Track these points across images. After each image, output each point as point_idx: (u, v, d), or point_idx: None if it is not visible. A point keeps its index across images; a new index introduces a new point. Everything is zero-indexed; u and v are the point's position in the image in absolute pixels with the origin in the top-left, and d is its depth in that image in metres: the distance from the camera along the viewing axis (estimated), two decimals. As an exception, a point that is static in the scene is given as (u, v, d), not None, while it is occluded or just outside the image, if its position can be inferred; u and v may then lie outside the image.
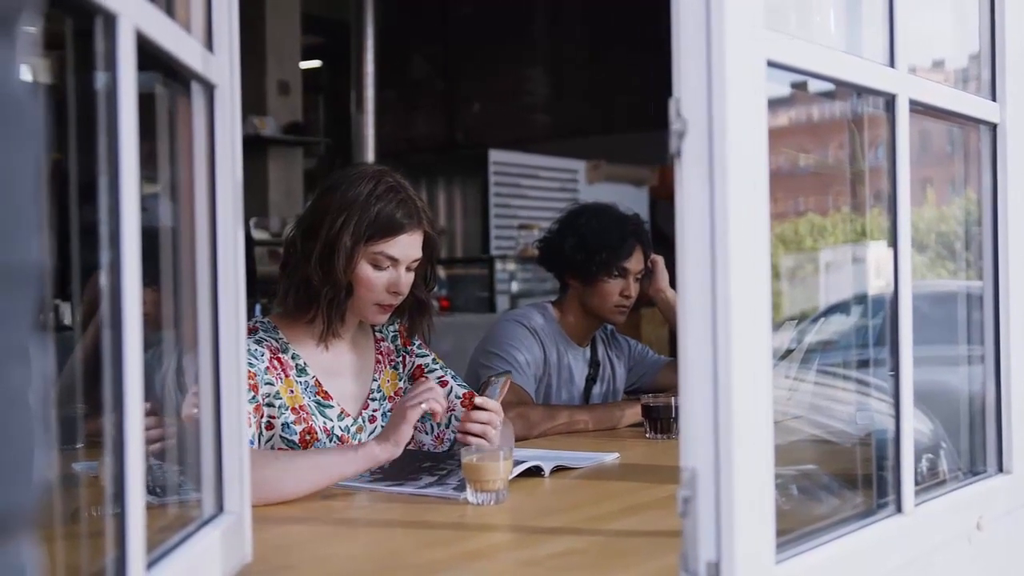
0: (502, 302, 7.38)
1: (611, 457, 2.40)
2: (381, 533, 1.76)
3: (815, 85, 1.60)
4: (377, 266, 2.23)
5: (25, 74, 0.56)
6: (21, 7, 0.55)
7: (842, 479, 1.72)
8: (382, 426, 2.33)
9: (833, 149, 2.01)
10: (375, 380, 2.39)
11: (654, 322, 7.02)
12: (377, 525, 1.78)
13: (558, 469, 2.22)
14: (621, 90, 9.58)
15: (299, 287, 2.24)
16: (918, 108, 1.61)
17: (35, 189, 0.56)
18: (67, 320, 2.78)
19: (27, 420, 0.54)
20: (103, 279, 1.01)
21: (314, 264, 2.20)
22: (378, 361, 2.41)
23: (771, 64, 1.28)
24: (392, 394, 2.40)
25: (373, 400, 2.37)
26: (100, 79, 1.02)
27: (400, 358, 2.45)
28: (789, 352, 2.18)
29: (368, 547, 1.71)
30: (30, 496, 0.56)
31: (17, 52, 0.54)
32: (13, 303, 0.53)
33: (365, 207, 2.20)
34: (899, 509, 1.55)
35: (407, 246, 2.25)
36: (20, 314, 0.54)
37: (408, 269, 2.27)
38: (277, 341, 2.26)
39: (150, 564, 1.10)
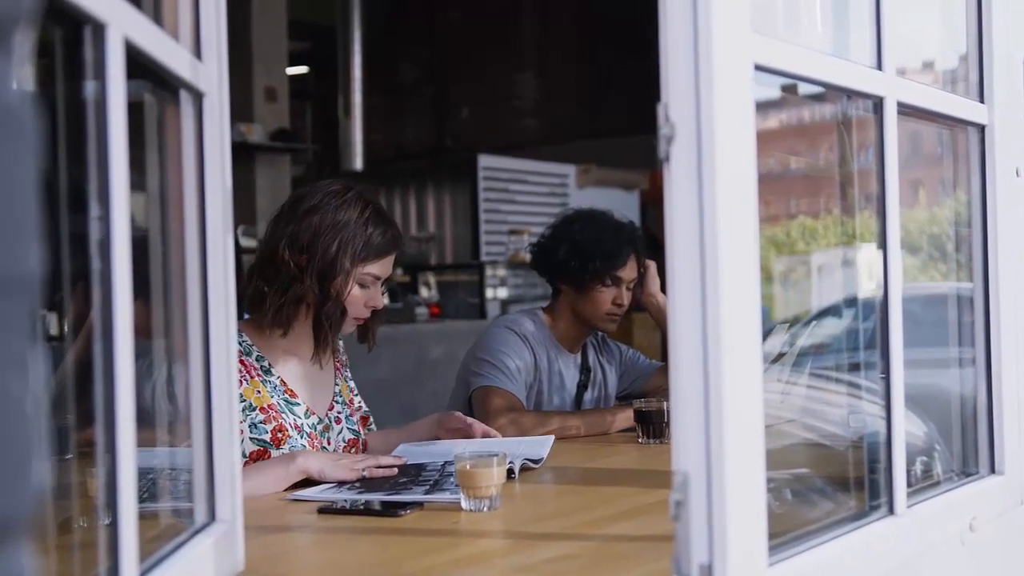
0: (492, 308, 7.36)
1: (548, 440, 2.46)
2: (374, 541, 1.75)
3: (805, 88, 1.60)
4: (362, 285, 2.34)
5: (21, 84, 0.57)
6: (18, 17, 0.55)
7: (835, 481, 1.73)
8: (347, 428, 2.46)
9: (824, 151, 2.02)
10: (336, 385, 2.49)
11: (646, 327, 7.02)
12: (370, 533, 1.78)
13: (526, 468, 2.25)
14: (610, 94, 9.60)
15: (292, 303, 2.30)
16: (906, 110, 1.61)
17: (34, 199, 0.56)
18: (53, 331, 2.77)
19: (26, 428, 0.55)
20: (94, 289, 1.01)
21: (310, 283, 2.28)
22: (337, 369, 2.52)
23: (758, 68, 1.28)
24: (347, 401, 2.51)
25: (337, 403, 2.47)
26: (89, 87, 1.02)
27: (347, 372, 2.57)
28: (781, 355, 2.18)
29: (361, 555, 1.70)
30: (29, 503, 0.57)
31: (14, 62, 0.55)
32: (13, 312, 0.54)
33: (359, 231, 2.30)
34: (891, 511, 1.55)
35: (390, 266, 2.39)
36: (19, 323, 0.54)
37: (383, 284, 2.40)
38: (240, 344, 2.29)
39: (143, 573, 1.10)
